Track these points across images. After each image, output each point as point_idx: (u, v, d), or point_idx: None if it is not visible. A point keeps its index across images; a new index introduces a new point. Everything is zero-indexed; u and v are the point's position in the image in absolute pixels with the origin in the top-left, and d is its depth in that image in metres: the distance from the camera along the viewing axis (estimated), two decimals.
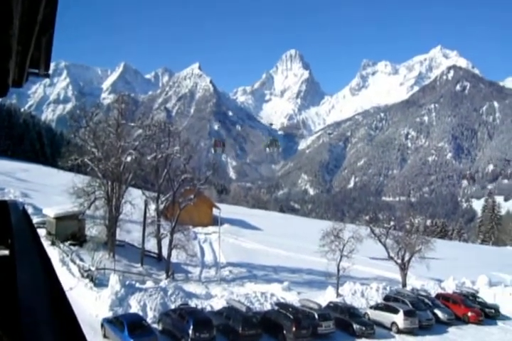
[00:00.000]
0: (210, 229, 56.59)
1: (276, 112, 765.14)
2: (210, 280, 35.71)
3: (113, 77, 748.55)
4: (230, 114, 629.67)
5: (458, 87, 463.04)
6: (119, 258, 35.04)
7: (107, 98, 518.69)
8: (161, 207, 39.25)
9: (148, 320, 23.51)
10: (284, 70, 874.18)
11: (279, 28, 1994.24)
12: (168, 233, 35.54)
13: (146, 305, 25.18)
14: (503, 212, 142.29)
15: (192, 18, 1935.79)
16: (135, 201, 37.03)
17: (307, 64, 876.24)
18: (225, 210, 59.61)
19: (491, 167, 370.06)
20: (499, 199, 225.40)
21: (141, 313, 23.99)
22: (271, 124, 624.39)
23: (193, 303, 26.52)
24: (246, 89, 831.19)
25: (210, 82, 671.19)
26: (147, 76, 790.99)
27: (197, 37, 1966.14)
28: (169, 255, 35.20)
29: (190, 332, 21.31)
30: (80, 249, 34.67)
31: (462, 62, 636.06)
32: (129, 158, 35.68)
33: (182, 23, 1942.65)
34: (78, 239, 36.21)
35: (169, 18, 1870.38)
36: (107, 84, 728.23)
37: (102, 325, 22.04)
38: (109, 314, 23.55)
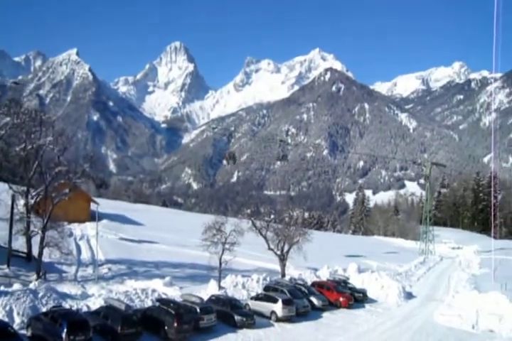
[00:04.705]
0: (88, 225, 53.77)
1: (159, 104, 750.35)
2: (86, 279, 33.80)
3: None
4: (111, 104, 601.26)
5: (334, 88, 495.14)
6: None
7: None
8: (32, 202, 36.15)
9: (15, 326, 21.47)
10: (169, 62, 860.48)
11: (162, 18, 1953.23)
12: (40, 230, 32.85)
13: (13, 310, 22.97)
14: (371, 204, 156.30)
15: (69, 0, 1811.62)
16: (1, 196, 33.73)
17: (192, 57, 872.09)
18: (104, 205, 57.16)
19: (361, 163, 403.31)
20: (368, 192, 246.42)
21: (6, 319, 21.82)
22: None
23: (67, 305, 24.82)
24: (128, 79, 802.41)
25: (89, 69, 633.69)
26: (16, 59, 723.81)
27: (75, 20, 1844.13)
28: (40, 254, 32.56)
29: (64, 335, 19.89)
30: None
31: (338, 65, 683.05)
32: None
33: (56, 4, 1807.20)
34: None
35: None
36: None
37: None
38: None
